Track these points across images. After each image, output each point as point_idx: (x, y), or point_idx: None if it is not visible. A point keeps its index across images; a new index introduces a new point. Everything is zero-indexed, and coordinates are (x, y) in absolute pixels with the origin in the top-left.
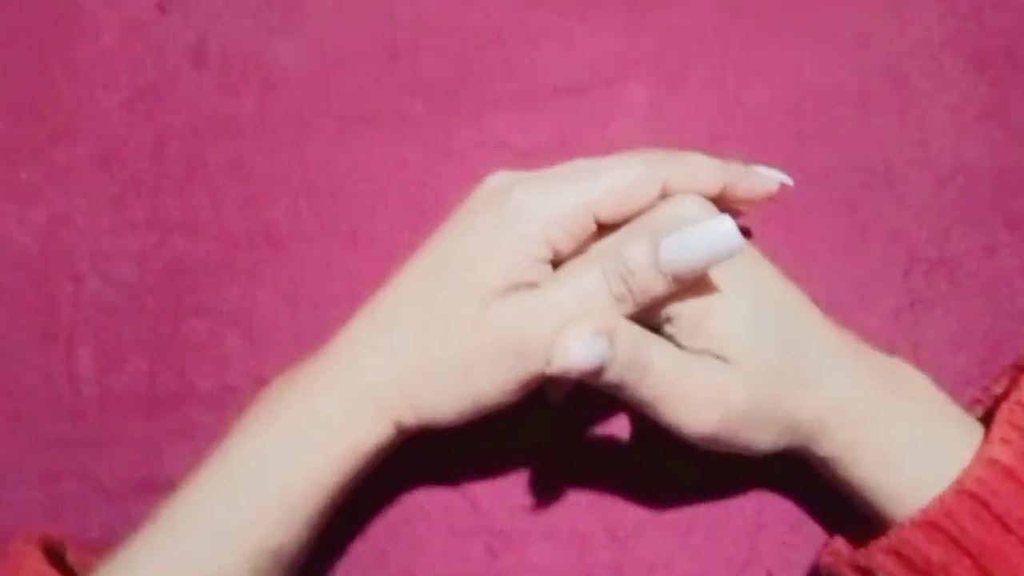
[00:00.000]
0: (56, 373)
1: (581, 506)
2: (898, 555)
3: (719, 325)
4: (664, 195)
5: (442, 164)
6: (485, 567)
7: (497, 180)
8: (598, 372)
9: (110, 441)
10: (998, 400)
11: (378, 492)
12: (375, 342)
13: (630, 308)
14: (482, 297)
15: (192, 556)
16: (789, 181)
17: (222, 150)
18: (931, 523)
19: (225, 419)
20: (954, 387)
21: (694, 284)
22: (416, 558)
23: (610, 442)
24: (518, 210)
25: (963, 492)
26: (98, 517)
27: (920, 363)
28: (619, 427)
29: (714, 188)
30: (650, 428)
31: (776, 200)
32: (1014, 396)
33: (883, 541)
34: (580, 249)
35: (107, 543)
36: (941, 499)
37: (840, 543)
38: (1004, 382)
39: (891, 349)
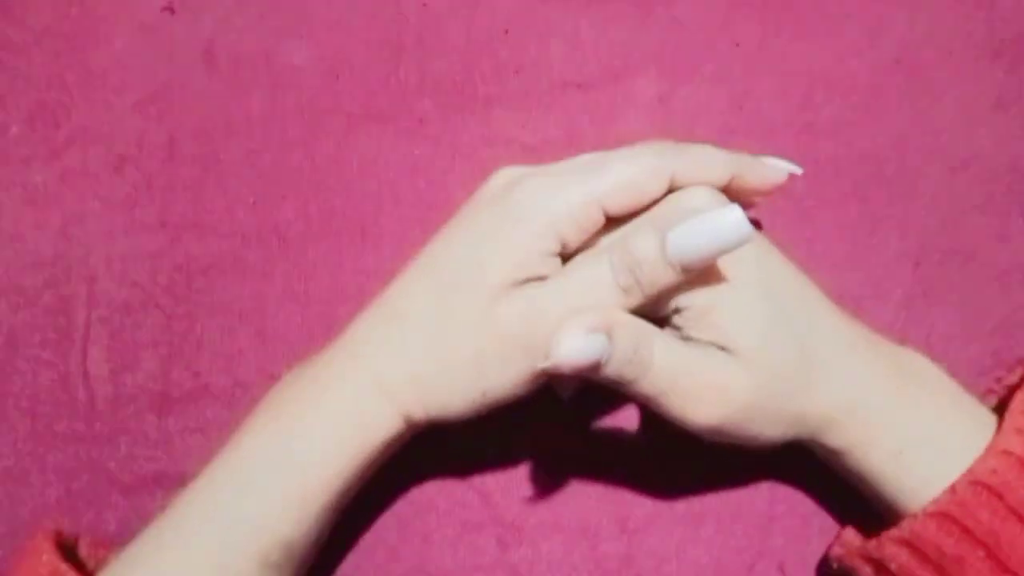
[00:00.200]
0: (71, 372)
1: (591, 499)
2: (910, 546)
3: (727, 317)
4: (673, 187)
5: (450, 160)
6: (495, 560)
7: (505, 175)
8: (596, 367)
9: (125, 438)
10: (1011, 390)
11: (388, 486)
12: (385, 337)
13: (638, 300)
14: (492, 292)
15: (204, 550)
16: (798, 171)
17: (233, 150)
18: (944, 514)
19: (237, 415)
20: (967, 377)
21: (703, 275)
22: (426, 551)
23: (619, 434)
24: (527, 205)
25: (976, 483)
26: (114, 512)
27: (932, 353)
28: (628, 420)
29: (723, 179)
30: (659, 421)
31: (786, 191)
32: None
33: (895, 532)
34: (589, 242)
35: (122, 537)
36: (954, 490)
37: (852, 534)
38: (1018, 372)
39: (903, 340)
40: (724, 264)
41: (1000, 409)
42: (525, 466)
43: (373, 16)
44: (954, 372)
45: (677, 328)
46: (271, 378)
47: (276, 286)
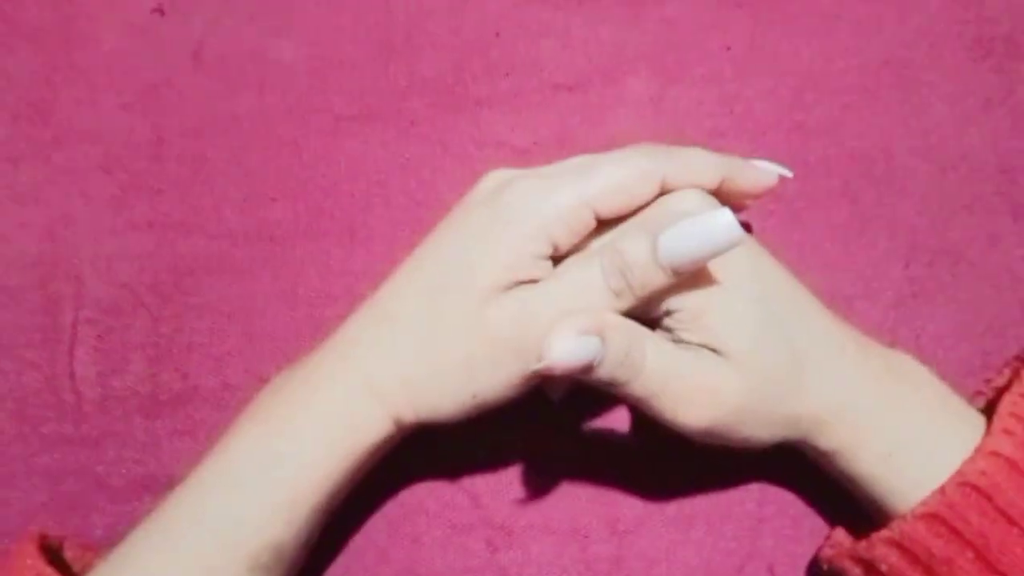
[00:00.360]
0: (58, 374)
1: (581, 500)
2: (900, 547)
3: (719, 319)
4: (664, 190)
5: (440, 161)
6: (485, 562)
7: (496, 177)
8: (588, 369)
9: (112, 440)
10: (1000, 392)
11: (378, 487)
12: (376, 338)
13: (629, 302)
14: (482, 295)
15: (193, 553)
16: (788, 174)
17: (221, 150)
18: (933, 515)
19: (226, 417)
20: (956, 378)
21: (694, 278)
22: (416, 553)
23: (610, 436)
24: (517, 207)
25: (965, 484)
26: (101, 516)
27: (922, 354)
28: (619, 421)
29: (713, 182)
30: (650, 422)
31: (776, 192)
32: (1016, 388)
33: (885, 533)
34: (580, 245)
35: (109, 541)
36: (943, 491)
37: (841, 535)
38: (1006, 373)
39: (893, 340)
40: (715, 267)
41: (989, 411)
42: (515, 468)
43: (363, 16)
44: (944, 373)
45: (668, 330)
46: (260, 380)
47: (265, 287)
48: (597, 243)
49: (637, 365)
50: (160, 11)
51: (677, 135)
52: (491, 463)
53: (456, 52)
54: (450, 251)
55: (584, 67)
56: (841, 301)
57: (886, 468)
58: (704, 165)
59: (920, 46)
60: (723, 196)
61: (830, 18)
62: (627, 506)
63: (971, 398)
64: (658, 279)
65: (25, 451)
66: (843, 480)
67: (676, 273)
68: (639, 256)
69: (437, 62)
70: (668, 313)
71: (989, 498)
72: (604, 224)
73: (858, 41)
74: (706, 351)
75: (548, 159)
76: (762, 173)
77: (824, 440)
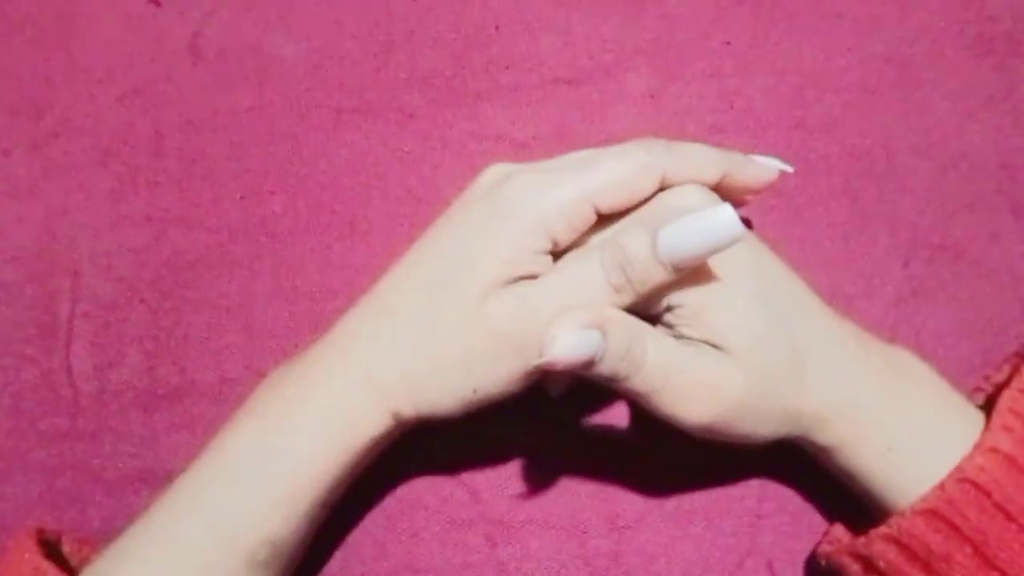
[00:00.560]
0: (55, 368)
1: (580, 496)
2: (898, 543)
3: (719, 315)
4: (664, 185)
5: (440, 156)
6: (484, 557)
7: (495, 172)
8: (589, 364)
9: (109, 435)
10: (999, 388)
11: (376, 482)
12: (375, 332)
13: (629, 298)
14: (482, 290)
15: (190, 548)
16: (789, 169)
17: (220, 143)
18: (932, 511)
19: (224, 412)
20: (956, 375)
21: (695, 273)
22: (415, 549)
23: (609, 432)
24: (517, 202)
25: (964, 480)
26: (98, 510)
27: (922, 351)
28: (618, 417)
29: (713, 177)
30: (649, 418)
31: (776, 188)
32: (1015, 384)
33: (883, 529)
34: (580, 240)
35: (106, 535)
36: (942, 487)
37: (840, 531)
38: (1006, 370)
39: (893, 337)
40: (716, 263)
41: (988, 407)
42: (514, 463)
43: (362, 9)
44: (944, 369)
45: (669, 326)
46: (258, 374)
47: (263, 281)
48: (597, 238)
49: (638, 360)
50: (156, 2)
51: (677, 130)
52: (490, 458)
53: (456, 46)
54: (449, 245)
55: (584, 62)
56: (841, 298)
57: (886, 464)
58: (705, 160)
59: (921, 44)
60: (723, 192)
61: (831, 15)
62: (626, 502)
63: (971, 394)
64: (658, 275)
65: (22, 446)
66: (842, 476)
67: (676, 269)
68: (639, 252)
69: (437, 56)
70: (669, 309)
71: (988, 494)
72: (604, 219)
73: (859, 38)
74: (707, 347)
75: (548, 154)
76: (763, 168)
77: (824, 436)
